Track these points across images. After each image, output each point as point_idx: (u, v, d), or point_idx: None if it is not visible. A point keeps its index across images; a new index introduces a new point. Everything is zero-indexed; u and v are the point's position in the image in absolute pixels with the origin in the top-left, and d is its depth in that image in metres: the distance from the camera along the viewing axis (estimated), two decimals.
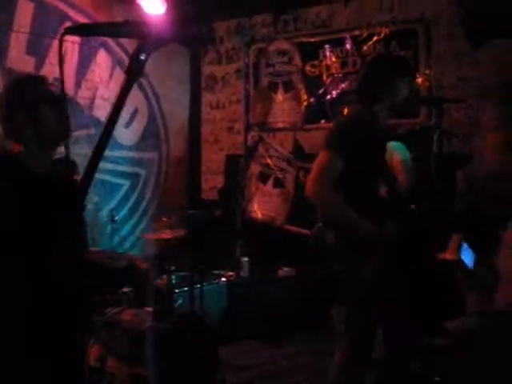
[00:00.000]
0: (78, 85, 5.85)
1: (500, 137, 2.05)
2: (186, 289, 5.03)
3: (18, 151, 2.20)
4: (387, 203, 3.23)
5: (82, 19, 5.73)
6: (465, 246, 2.63)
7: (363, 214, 3.07)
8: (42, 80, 2.28)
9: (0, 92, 2.30)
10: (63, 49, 1.37)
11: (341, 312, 3.24)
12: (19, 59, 5.26)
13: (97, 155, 1.37)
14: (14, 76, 2.41)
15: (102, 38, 5.77)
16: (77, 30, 1.39)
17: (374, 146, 3.20)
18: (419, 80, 5.84)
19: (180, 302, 5.16)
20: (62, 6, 5.63)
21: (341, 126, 3.29)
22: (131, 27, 1.39)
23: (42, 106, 2.18)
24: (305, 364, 4.61)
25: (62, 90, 1.41)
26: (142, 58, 1.36)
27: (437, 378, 3.55)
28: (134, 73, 1.36)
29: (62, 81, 1.33)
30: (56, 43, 5.40)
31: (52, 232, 2.09)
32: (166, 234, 4.89)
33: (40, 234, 2.11)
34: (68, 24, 5.65)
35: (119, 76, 6.17)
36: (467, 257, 2.61)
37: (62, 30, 1.31)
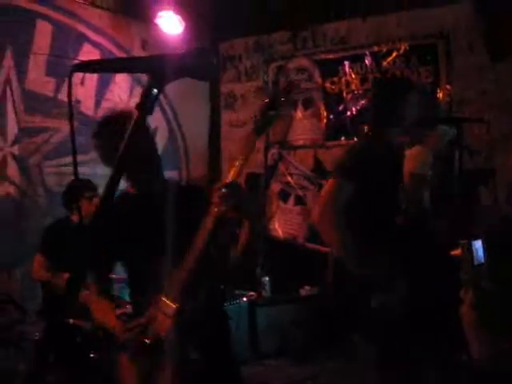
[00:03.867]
0: (97, 105, 5.85)
1: None
2: None
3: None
4: (404, 227, 3.17)
5: (100, 40, 5.75)
6: (479, 242, 2.38)
7: (377, 239, 3.03)
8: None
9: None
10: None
11: (369, 350, 3.13)
12: (39, 81, 5.27)
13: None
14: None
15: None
16: (86, 66, 1.35)
17: (388, 171, 3.14)
18: (440, 95, 5.78)
19: None
20: (81, 27, 5.64)
21: (351, 156, 3.21)
22: (141, 62, 1.36)
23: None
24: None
25: (71, 126, 1.36)
26: (154, 92, 1.33)
27: None
28: (145, 108, 1.32)
29: (71, 117, 1.28)
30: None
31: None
32: None
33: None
34: (86, 45, 5.68)
35: (139, 95, 6.16)
36: (478, 251, 2.36)
37: (71, 68, 1.28)
